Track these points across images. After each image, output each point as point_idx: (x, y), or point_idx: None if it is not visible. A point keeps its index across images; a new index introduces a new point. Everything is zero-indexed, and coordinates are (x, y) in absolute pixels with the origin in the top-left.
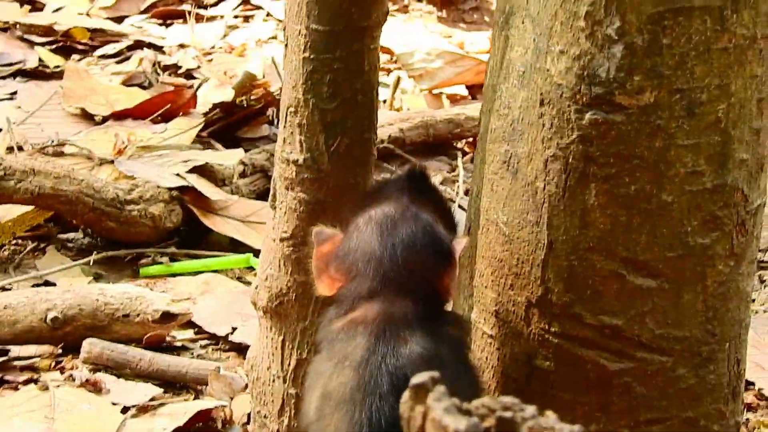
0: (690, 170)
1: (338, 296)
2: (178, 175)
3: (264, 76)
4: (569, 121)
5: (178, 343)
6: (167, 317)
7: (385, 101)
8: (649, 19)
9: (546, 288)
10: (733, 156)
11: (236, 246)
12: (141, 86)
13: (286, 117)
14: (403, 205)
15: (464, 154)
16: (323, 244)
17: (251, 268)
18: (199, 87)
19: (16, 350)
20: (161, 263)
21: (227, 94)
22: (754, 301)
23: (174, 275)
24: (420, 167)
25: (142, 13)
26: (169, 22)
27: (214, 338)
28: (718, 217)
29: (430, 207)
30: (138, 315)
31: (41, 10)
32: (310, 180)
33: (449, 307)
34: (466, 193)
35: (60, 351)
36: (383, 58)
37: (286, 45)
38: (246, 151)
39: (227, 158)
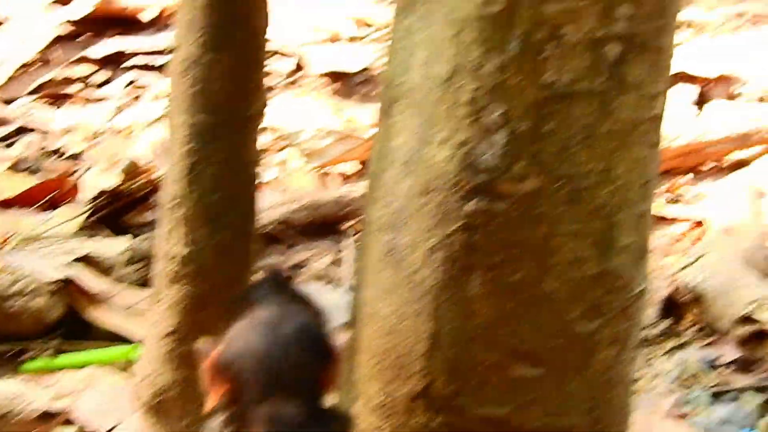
0: (574, 257)
1: (224, 404)
2: (61, 265)
3: (151, 160)
4: (452, 209)
5: None
6: (47, 416)
7: (274, 180)
8: (531, 106)
9: (430, 379)
10: (617, 241)
11: (122, 335)
12: (30, 171)
13: (168, 210)
14: (279, 307)
15: (354, 233)
16: (207, 358)
17: (136, 360)
18: (85, 172)
19: None
20: (44, 358)
21: (113, 180)
22: (638, 380)
23: (58, 370)
24: (279, 269)
25: (30, 93)
26: (58, 103)
27: None
28: (602, 304)
29: (302, 306)
30: (17, 415)
31: None
32: (192, 274)
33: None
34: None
35: None
36: (273, 136)
37: (169, 137)
38: (134, 236)
39: (113, 246)
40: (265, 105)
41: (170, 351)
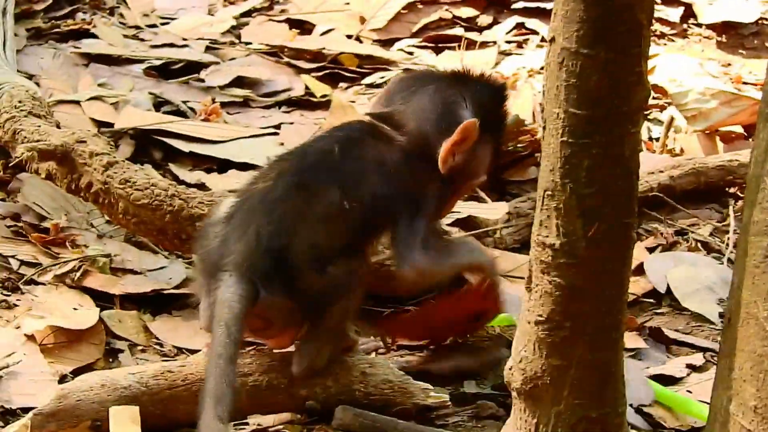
0: None
1: None
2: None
3: (534, 115)
4: None
5: None
6: None
7: (657, 139)
8: None
9: None
10: None
11: None
12: None
13: (543, 199)
14: (443, 77)
15: (736, 200)
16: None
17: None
18: None
19: None
20: None
21: None
22: None
23: None
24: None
25: (413, 36)
26: (440, 47)
27: None
28: None
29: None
30: None
31: (310, 32)
32: (566, 265)
33: None
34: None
35: None
36: (656, 94)
37: (544, 127)
38: (512, 196)
39: (492, 210)
40: (647, 99)
41: (541, 339)
